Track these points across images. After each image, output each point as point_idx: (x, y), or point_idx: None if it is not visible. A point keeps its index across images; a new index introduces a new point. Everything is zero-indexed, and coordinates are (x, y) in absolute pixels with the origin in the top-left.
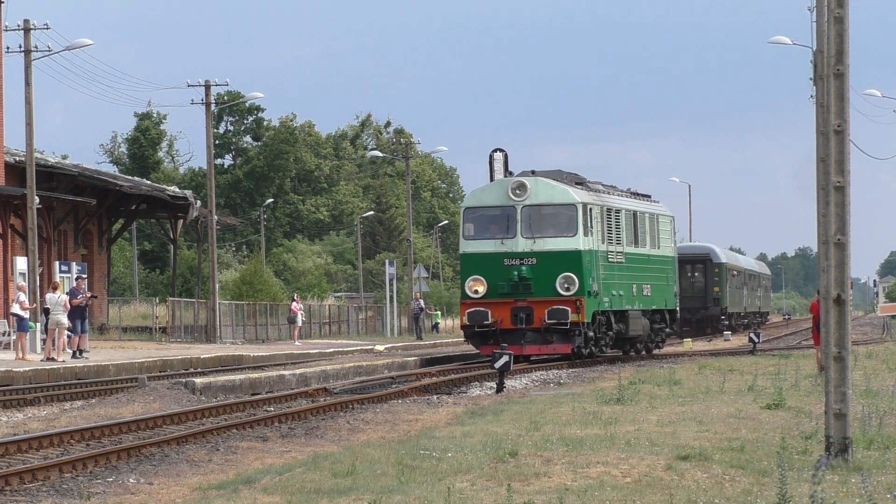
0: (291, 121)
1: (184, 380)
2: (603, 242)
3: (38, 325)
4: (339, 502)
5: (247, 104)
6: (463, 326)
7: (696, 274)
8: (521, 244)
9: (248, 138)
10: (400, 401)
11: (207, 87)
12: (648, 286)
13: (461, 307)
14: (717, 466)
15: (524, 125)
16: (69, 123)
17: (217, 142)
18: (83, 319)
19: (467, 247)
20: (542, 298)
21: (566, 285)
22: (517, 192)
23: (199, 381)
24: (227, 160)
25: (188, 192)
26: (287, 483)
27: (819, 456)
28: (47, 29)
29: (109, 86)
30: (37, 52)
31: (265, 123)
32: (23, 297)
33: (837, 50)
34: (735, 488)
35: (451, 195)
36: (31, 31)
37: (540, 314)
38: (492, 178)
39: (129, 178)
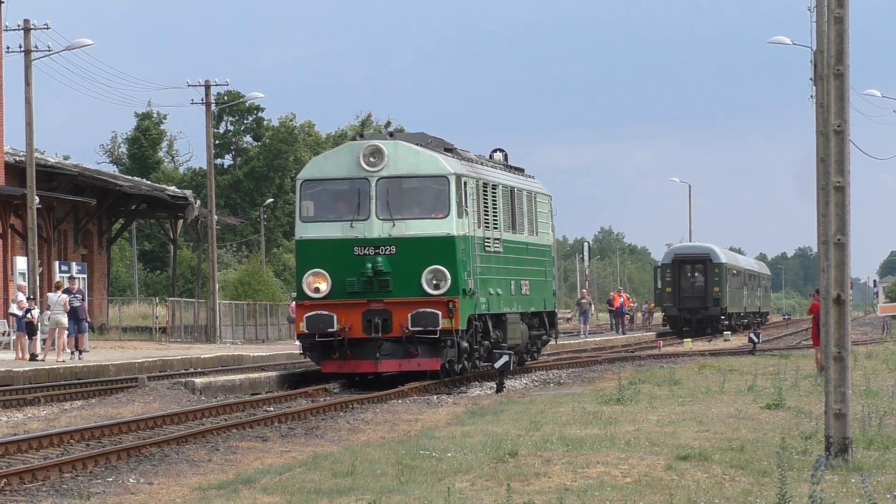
0: (291, 121)
1: (184, 380)
2: (479, 226)
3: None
4: (339, 502)
5: (247, 104)
6: (299, 335)
7: (696, 274)
8: (377, 228)
9: (248, 138)
10: (400, 401)
11: (207, 87)
12: (527, 283)
13: (297, 310)
14: (716, 466)
15: (524, 125)
16: (69, 123)
17: (217, 142)
18: (78, 321)
19: (305, 231)
20: (404, 299)
21: (435, 282)
22: (371, 159)
23: (199, 381)
24: (227, 160)
25: (188, 192)
26: (287, 483)
27: (818, 456)
28: (47, 29)
29: (109, 86)
30: (37, 52)
31: (265, 123)
32: (21, 297)
33: (837, 50)
34: (735, 488)
35: None
36: (31, 31)
37: (401, 319)
38: None
39: (129, 178)
